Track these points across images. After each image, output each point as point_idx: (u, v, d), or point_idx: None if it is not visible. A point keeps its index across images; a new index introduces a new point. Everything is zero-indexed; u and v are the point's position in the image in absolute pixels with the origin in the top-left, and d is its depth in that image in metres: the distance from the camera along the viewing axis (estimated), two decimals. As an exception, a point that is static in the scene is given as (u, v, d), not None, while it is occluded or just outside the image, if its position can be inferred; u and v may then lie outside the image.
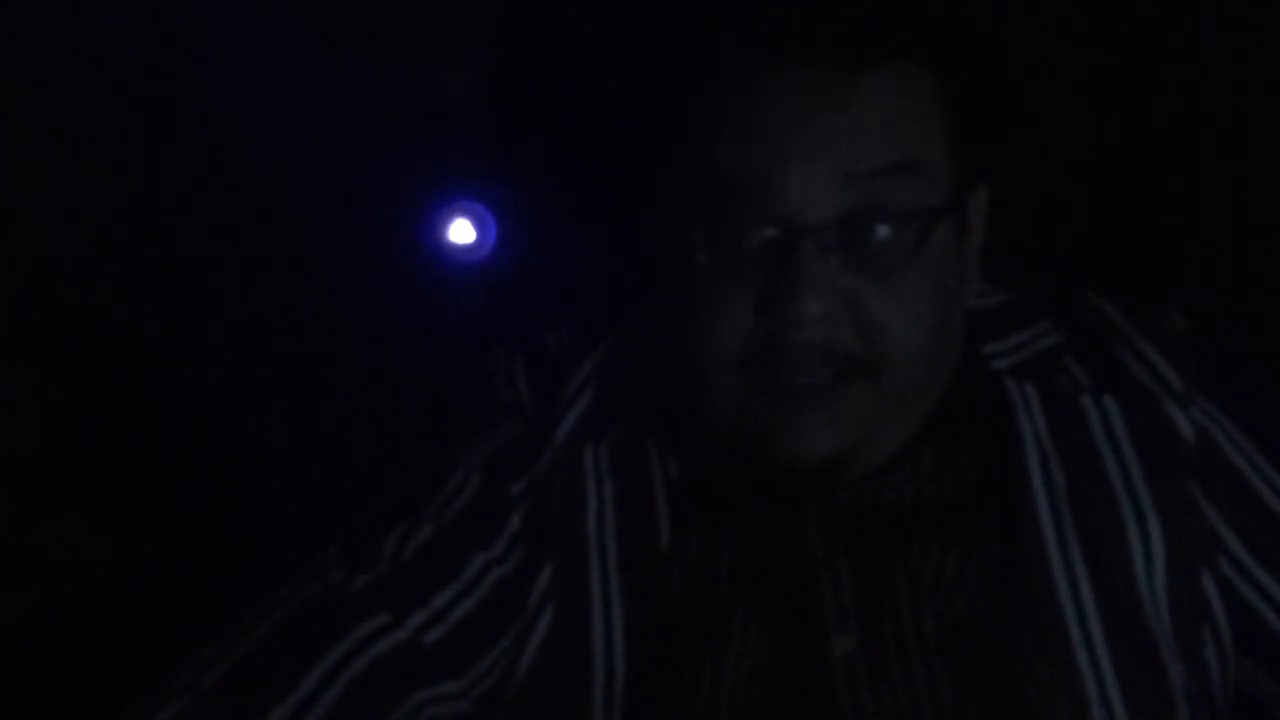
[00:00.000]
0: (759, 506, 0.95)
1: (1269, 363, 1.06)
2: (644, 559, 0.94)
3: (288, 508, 1.41)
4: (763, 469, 0.94)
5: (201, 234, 1.51)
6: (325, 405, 1.52)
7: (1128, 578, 0.91)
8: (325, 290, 1.51)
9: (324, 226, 1.50)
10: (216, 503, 1.47)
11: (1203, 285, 1.38)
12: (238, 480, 1.47)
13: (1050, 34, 1.39)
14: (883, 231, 0.87)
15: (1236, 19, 1.35)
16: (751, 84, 0.87)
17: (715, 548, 0.94)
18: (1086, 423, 0.96)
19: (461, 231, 1.53)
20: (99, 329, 1.51)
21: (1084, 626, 0.90)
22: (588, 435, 0.98)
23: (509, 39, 1.51)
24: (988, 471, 0.95)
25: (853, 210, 0.86)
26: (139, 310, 1.50)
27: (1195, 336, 0.99)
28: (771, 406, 0.89)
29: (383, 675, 0.90)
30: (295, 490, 1.44)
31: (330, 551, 0.95)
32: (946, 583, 0.91)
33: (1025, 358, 0.98)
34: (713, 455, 0.96)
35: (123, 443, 1.50)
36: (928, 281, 0.89)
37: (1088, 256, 1.42)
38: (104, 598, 1.47)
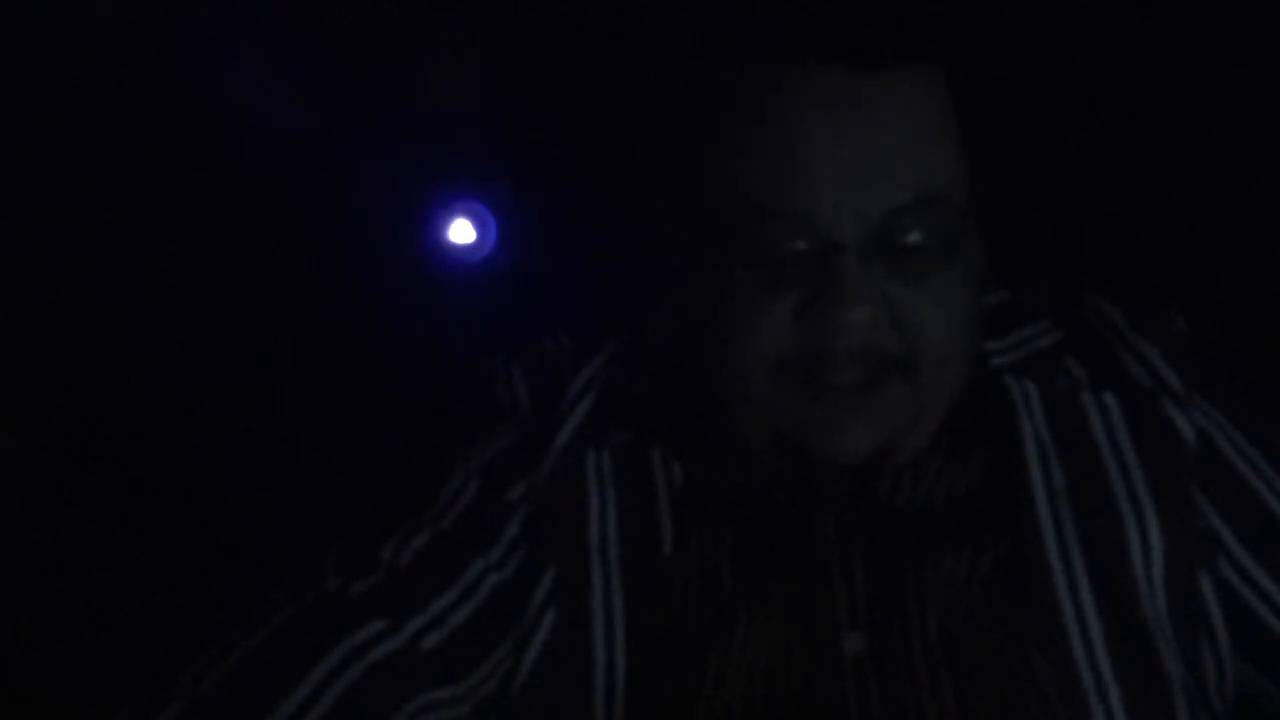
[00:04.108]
0: (778, 505, 0.95)
1: (1269, 364, 1.06)
2: (646, 566, 0.94)
3: (287, 509, 1.41)
4: (791, 472, 0.93)
5: (201, 234, 1.51)
6: (325, 406, 1.52)
7: (1126, 574, 0.91)
8: (325, 290, 1.51)
9: (324, 227, 1.50)
10: (216, 504, 1.47)
11: (1202, 287, 1.38)
12: (237, 482, 1.47)
13: (1050, 34, 1.39)
14: (914, 238, 0.87)
15: (1236, 19, 1.35)
16: (774, 94, 0.87)
17: (718, 553, 0.94)
18: (1086, 419, 0.96)
19: (461, 231, 1.53)
20: (99, 329, 1.51)
21: (1082, 624, 0.90)
22: (589, 441, 0.98)
23: (510, 38, 1.51)
24: (993, 470, 0.95)
25: (887, 224, 0.86)
26: (139, 311, 1.50)
27: (1195, 338, 0.99)
28: (809, 409, 0.89)
29: (380, 681, 0.90)
30: (295, 491, 1.44)
31: (327, 558, 0.95)
32: (956, 585, 0.91)
33: (1025, 355, 0.99)
34: (729, 459, 0.96)
35: (123, 443, 1.50)
36: (958, 280, 0.90)
37: (1087, 258, 1.41)
38: (104, 598, 1.46)
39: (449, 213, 1.52)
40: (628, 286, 1.06)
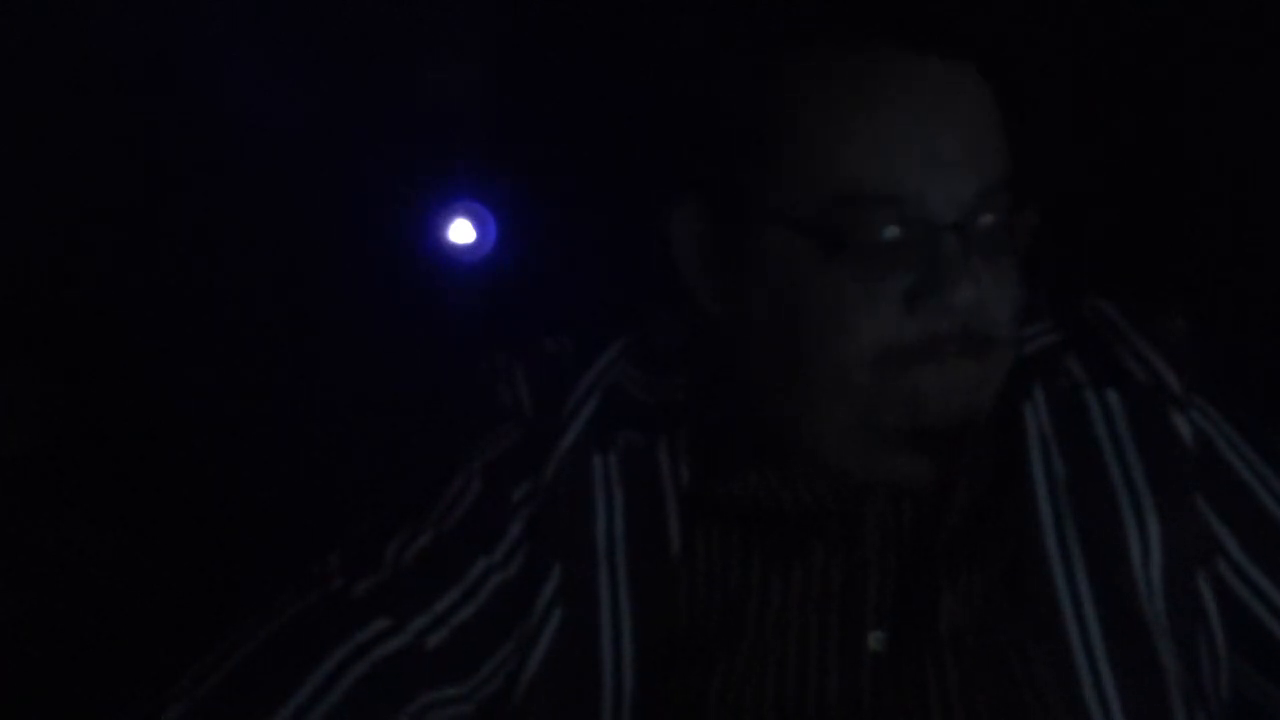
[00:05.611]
0: (825, 509, 0.94)
1: (1269, 365, 1.06)
2: (654, 568, 0.94)
3: (289, 509, 1.41)
4: (864, 472, 0.93)
5: (201, 235, 1.51)
6: (326, 404, 1.52)
7: (1124, 570, 0.91)
8: (326, 291, 1.51)
9: (324, 227, 1.50)
10: (217, 504, 1.47)
11: (1203, 287, 1.39)
12: (237, 481, 1.47)
13: (1050, 34, 1.39)
14: (989, 219, 0.88)
15: (1236, 19, 1.35)
16: (859, 80, 0.88)
17: (726, 555, 0.94)
18: (1088, 416, 0.96)
19: (461, 231, 1.53)
20: (98, 329, 1.51)
21: (1081, 621, 0.90)
22: (595, 444, 0.97)
23: (511, 38, 1.51)
24: (1000, 466, 0.95)
25: (975, 205, 0.87)
26: (139, 311, 1.50)
27: (1195, 338, 0.99)
28: (904, 402, 0.89)
29: (384, 680, 0.90)
30: (297, 491, 1.45)
31: (331, 558, 0.95)
32: (970, 585, 0.91)
33: (1028, 353, 0.99)
34: (767, 464, 0.95)
35: (124, 443, 1.50)
36: (1017, 263, 0.90)
37: (1087, 258, 1.42)
38: (104, 597, 1.47)
39: (449, 213, 1.53)
40: (629, 287, 1.06)
